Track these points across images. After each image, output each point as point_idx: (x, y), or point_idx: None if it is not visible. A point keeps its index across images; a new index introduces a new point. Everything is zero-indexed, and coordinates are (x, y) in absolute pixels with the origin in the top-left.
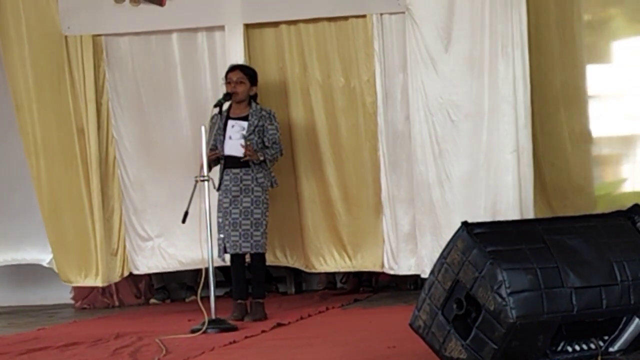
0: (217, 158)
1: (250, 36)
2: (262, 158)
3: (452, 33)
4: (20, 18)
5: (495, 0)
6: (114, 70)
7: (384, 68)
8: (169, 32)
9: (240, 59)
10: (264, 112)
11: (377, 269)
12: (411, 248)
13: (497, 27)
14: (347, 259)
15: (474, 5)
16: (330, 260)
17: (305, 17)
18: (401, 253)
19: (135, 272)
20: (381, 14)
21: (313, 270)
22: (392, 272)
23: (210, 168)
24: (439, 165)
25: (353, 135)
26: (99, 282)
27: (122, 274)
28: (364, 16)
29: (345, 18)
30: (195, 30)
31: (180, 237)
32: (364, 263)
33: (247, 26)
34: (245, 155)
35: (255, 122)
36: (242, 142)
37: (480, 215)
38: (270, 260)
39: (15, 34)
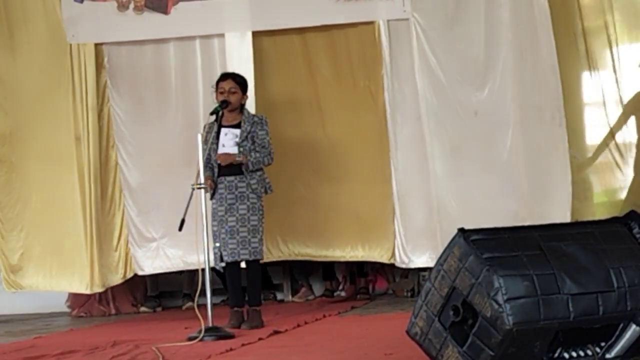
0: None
1: (257, 44)
2: (240, 159)
3: (458, 36)
4: (27, 25)
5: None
6: (115, 76)
7: (392, 71)
8: (168, 39)
9: (249, 67)
10: (255, 118)
11: (387, 261)
12: (424, 243)
13: (516, 27)
14: (359, 250)
15: (482, 9)
16: (341, 251)
17: (313, 24)
18: (414, 248)
19: (141, 272)
20: (388, 20)
21: (323, 258)
22: (403, 266)
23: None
24: (452, 162)
25: (364, 136)
26: (96, 289)
27: (125, 275)
28: (371, 22)
29: (354, 25)
30: (194, 37)
31: (183, 237)
32: (375, 255)
33: (254, 34)
34: (222, 159)
35: (248, 128)
36: (235, 149)
37: (499, 210)
38: (276, 255)
39: (21, 40)
